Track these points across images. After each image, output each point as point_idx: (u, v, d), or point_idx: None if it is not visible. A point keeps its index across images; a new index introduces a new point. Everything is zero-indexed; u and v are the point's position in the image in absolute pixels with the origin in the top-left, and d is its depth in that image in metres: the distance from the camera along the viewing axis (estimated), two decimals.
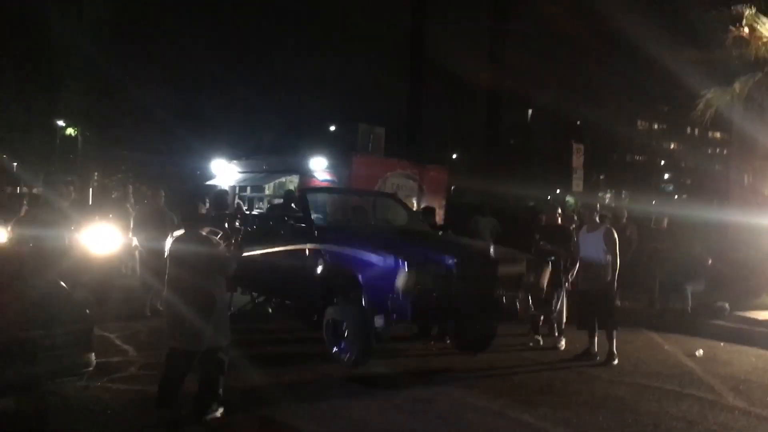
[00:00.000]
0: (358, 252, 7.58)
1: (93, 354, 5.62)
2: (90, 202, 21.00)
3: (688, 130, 62.76)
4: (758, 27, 11.20)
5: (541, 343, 9.09)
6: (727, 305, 10.95)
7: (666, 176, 61.84)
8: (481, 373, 7.62)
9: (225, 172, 17.23)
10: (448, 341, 8.84)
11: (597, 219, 8.62)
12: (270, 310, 10.02)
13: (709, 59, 13.07)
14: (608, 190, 51.82)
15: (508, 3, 22.50)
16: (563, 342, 9.01)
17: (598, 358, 8.24)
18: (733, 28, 11.52)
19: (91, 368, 5.62)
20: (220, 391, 5.56)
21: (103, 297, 9.65)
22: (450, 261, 7.26)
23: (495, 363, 8.05)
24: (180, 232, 5.74)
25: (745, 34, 11.41)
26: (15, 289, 5.65)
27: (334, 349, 7.55)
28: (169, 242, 5.67)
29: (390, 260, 7.11)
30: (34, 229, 8.32)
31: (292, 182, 14.95)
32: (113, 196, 22.59)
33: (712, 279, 11.76)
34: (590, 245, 8.38)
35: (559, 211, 9.85)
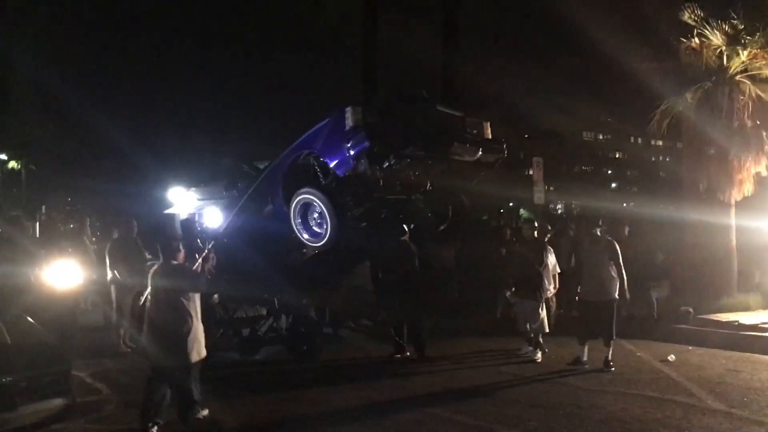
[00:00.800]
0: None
1: (73, 396, 5.43)
2: (38, 236, 20.40)
3: (632, 139, 64.46)
4: (708, 35, 11.57)
5: (521, 352, 9.35)
6: (691, 309, 11.17)
7: (613, 185, 63.34)
8: (464, 391, 7.59)
9: (183, 200, 16.90)
10: (408, 354, 9.14)
11: (598, 232, 8.81)
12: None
13: (655, 71, 13.39)
14: (559, 201, 52.75)
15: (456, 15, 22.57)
16: (539, 355, 9.11)
17: (587, 366, 8.45)
18: (684, 39, 11.86)
19: (70, 411, 5.42)
20: (197, 396, 5.89)
21: (67, 334, 9.35)
22: None
23: (475, 380, 8.06)
24: (156, 264, 6.02)
25: (695, 45, 11.77)
26: None
27: None
28: (149, 275, 5.87)
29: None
30: None
31: None
32: (68, 227, 21.93)
33: (673, 282, 12.05)
34: (593, 258, 8.55)
35: (535, 224, 9.96)
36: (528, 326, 9.18)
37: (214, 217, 9.34)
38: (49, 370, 5.29)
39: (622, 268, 8.46)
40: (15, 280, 8.26)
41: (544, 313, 9.22)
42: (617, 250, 8.52)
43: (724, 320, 10.80)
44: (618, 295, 8.45)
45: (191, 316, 5.86)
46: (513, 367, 8.74)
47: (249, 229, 8.33)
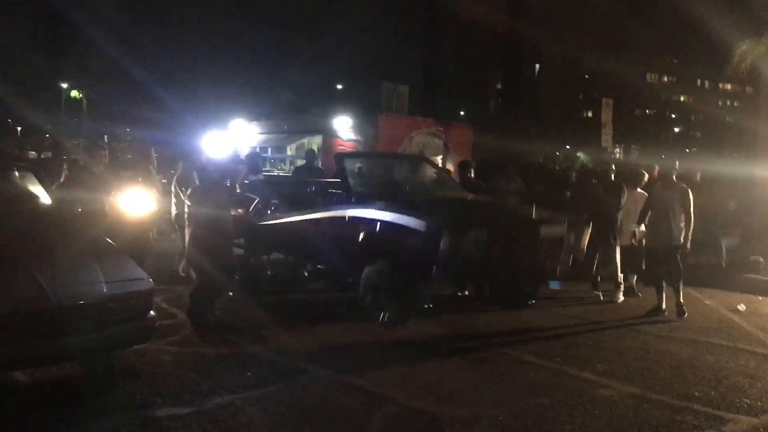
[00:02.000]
0: (398, 217, 7.51)
1: (155, 318, 5.61)
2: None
3: (698, 82, 62.21)
4: None
5: (601, 298, 9.23)
6: (761, 259, 10.92)
7: (676, 130, 61.44)
8: (532, 333, 7.57)
9: (245, 133, 17.10)
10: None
11: (674, 178, 8.54)
12: (306, 274, 10.01)
13: (738, 5, 12.78)
14: (617, 145, 51.56)
15: None
16: (621, 296, 9.21)
17: (666, 313, 8.29)
18: None
19: (154, 332, 5.62)
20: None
21: (139, 261, 9.65)
22: (491, 226, 7.39)
23: (541, 321, 8.06)
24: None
25: None
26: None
27: (374, 310, 7.52)
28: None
29: (431, 226, 7.14)
30: (75, 193, 8.26)
31: (315, 143, 14.85)
32: (128, 157, 22.43)
33: (744, 233, 11.73)
34: (664, 204, 8.34)
35: (613, 167, 9.83)
36: (596, 270, 9.17)
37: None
38: (133, 292, 5.45)
39: (692, 217, 8.21)
40: (92, 206, 8.57)
41: (618, 257, 9.17)
42: (690, 198, 8.26)
43: None
44: (683, 240, 8.24)
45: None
46: (578, 310, 8.71)
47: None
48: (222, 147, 13.53)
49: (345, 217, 8.07)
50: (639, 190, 9.62)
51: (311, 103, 16.57)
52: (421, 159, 11.16)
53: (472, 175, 10.49)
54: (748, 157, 14.48)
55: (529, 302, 8.72)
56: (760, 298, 9.57)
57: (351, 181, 8.75)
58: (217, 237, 7.14)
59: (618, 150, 49.18)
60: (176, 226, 9.78)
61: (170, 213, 10.38)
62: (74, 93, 48.42)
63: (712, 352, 6.77)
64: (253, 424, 4.66)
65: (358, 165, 9.83)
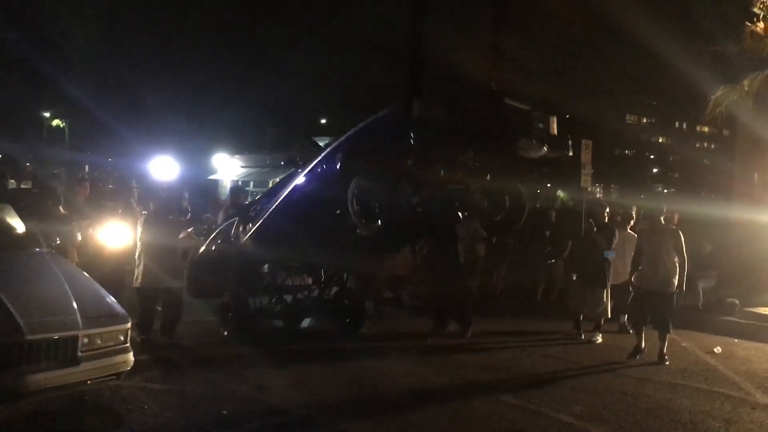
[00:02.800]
0: None
1: (131, 353, 5.56)
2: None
3: (677, 124, 63.30)
4: None
5: (583, 337, 9.32)
6: (737, 301, 11.03)
7: (655, 170, 62.24)
8: (507, 371, 7.60)
9: (227, 167, 17.14)
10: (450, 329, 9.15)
11: (662, 220, 8.49)
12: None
13: (715, 55, 13.10)
14: (597, 185, 52.03)
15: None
16: (599, 337, 9.28)
17: (646, 352, 8.24)
18: (749, 23, 11.55)
19: (128, 369, 5.55)
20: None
21: (117, 294, 9.54)
22: None
23: (517, 361, 8.07)
24: None
25: (760, 29, 11.45)
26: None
27: None
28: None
29: None
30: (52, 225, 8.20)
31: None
32: (110, 187, 22.30)
33: (720, 275, 11.86)
34: (656, 247, 8.22)
35: (607, 208, 9.93)
36: (586, 310, 9.34)
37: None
38: (111, 327, 5.40)
39: (686, 259, 8.11)
40: (66, 239, 8.52)
41: (607, 299, 9.32)
42: (682, 240, 8.17)
43: None
44: (677, 285, 8.15)
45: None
46: (556, 350, 8.75)
47: (305, 203, 8.37)
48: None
49: None
50: (628, 230, 9.76)
51: (295, 138, 16.69)
52: None
53: None
54: (724, 198, 14.70)
55: None
56: (736, 340, 9.64)
57: None
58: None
59: (598, 190, 49.65)
60: None
61: None
62: (56, 122, 48.21)
63: (688, 395, 6.80)
64: None
65: None
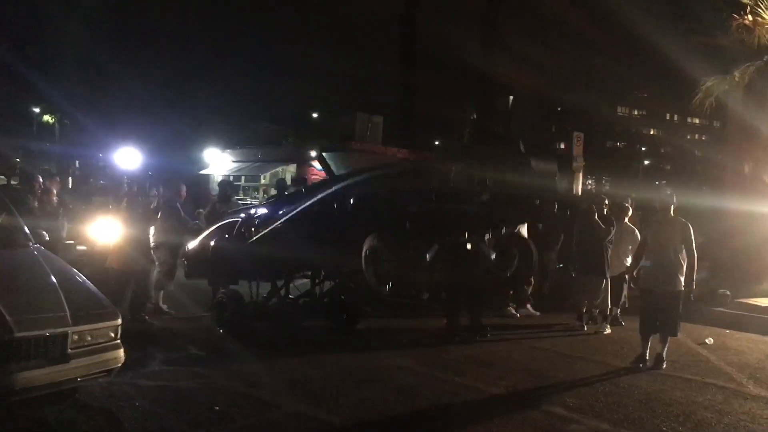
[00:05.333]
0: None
1: (122, 350, 5.51)
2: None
3: (667, 116, 63.56)
4: (762, 12, 11.29)
5: (585, 329, 9.43)
6: (728, 293, 11.08)
7: (646, 162, 62.46)
8: (503, 365, 7.57)
9: (218, 162, 17.05)
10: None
11: (671, 212, 7.69)
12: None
13: (706, 46, 13.13)
14: (589, 177, 52.18)
15: None
16: (608, 328, 9.40)
17: (649, 364, 7.54)
18: (737, 16, 11.57)
19: (119, 365, 5.52)
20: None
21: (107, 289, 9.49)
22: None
23: (513, 355, 8.05)
24: None
25: (748, 22, 11.48)
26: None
27: None
28: None
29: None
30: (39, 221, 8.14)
31: (289, 171, 14.86)
32: (101, 183, 22.20)
33: (711, 266, 11.89)
34: (662, 241, 7.53)
35: (606, 200, 9.95)
36: (587, 302, 9.44)
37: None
38: (101, 324, 5.36)
39: (695, 254, 7.43)
40: (56, 234, 8.47)
41: (607, 289, 9.43)
42: (691, 233, 7.44)
43: (762, 305, 10.70)
44: (685, 284, 7.44)
45: None
46: (551, 342, 8.74)
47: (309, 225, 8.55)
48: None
49: None
50: (626, 221, 9.75)
51: (287, 133, 16.67)
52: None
53: None
54: (715, 189, 14.75)
55: None
56: (728, 331, 9.69)
57: None
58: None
59: (590, 182, 49.75)
60: (154, 257, 9.62)
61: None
62: (46, 118, 47.91)
63: (680, 386, 6.82)
64: None
65: None
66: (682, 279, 7.43)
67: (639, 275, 7.88)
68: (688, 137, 61.10)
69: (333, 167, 9.76)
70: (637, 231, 9.52)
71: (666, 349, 7.60)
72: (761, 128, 11.72)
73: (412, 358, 7.61)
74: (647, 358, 7.58)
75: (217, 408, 5.61)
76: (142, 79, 28.34)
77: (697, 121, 59.43)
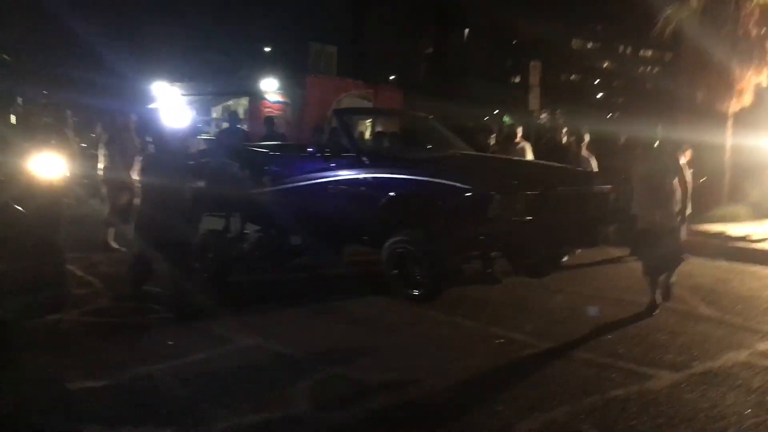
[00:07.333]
0: (434, 180, 6.72)
1: (68, 287, 5.30)
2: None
3: (620, 48, 63.69)
4: None
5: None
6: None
7: (599, 95, 62.71)
8: (467, 297, 7.50)
9: (167, 95, 16.48)
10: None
11: (656, 145, 7.03)
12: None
13: None
14: (543, 110, 52.28)
15: None
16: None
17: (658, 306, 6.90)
18: None
19: (65, 302, 5.31)
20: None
21: (54, 226, 9.16)
22: (540, 187, 6.73)
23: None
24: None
25: None
26: None
27: (399, 283, 6.84)
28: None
29: (478, 187, 6.44)
30: None
31: (241, 105, 14.44)
32: (46, 120, 21.35)
33: None
34: (653, 178, 6.85)
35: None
36: None
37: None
38: (43, 260, 5.12)
39: (687, 184, 6.83)
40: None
41: None
42: (680, 165, 6.87)
43: (713, 231, 10.92)
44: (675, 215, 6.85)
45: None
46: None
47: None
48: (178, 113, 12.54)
49: (366, 180, 7.22)
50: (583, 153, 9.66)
51: (238, 65, 16.09)
52: (423, 119, 9.96)
53: None
54: (668, 121, 14.84)
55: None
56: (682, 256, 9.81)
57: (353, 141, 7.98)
58: (165, 212, 6.30)
59: (544, 115, 49.90)
60: (102, 191, 9.23)
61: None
62: None
63: (634, 310, 6.83)
64: (170, 395, 4.43)
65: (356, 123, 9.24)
66: (675, 208, 6.85)
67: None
68: (640, 70, 61.55)
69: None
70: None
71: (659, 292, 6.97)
72: (715, 54, 11.71)
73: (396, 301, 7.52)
74: (658, 303, 6.91)
75: (170, 343, 5.48)
76: (84, 9, 26.93)
77: (649, 54, 59.75)
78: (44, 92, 36.19)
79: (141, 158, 6.80)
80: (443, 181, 6.77)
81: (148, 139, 6.74)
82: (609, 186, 7.50)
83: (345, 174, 7.41)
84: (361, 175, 7.25)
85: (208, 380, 4.69)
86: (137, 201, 6.63)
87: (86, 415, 4.07)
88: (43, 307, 5.12)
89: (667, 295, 7.01)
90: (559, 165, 8.38)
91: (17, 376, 4.67)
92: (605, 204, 7.38)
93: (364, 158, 7.41)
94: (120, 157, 9.08)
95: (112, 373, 4.74)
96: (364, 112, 11.45)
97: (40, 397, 4.33)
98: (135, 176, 7.63)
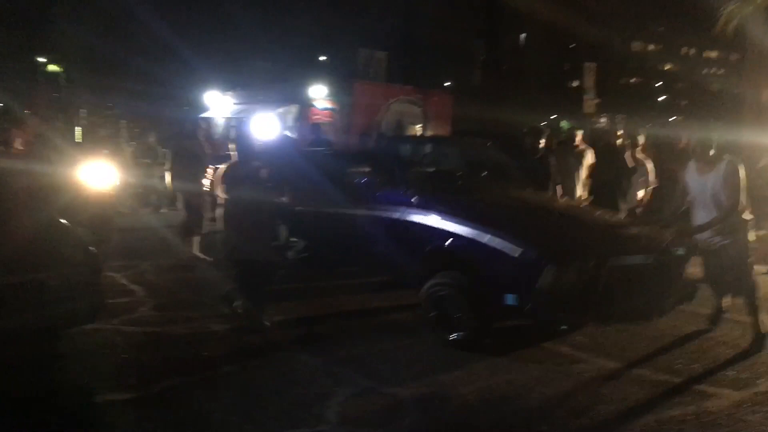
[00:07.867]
0: (482, 235, 5.92)
1: (103, 295, 5.26)
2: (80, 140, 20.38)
3: (683, 50, 61.97)
4: None
5: None
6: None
7: (661, 98, 61.06)
8: None
9: (219, 104, 16.65)
10: None
11: (711, 153, 6.00)
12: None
13: None
14: (603, 114, 51.10)
15: None
16: None
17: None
18: None
19: (101, 311, 5.27)
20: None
21: (104, 235, 9.25)
22: (602, 253, 5.72)
23: None
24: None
25: None
26: (15, 227, 5.23)
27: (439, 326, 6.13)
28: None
29: (528, 252, 5.56)
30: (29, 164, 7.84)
31: (290, 112, 14.45)
32: (106, 131, 21.90)
33: None
34: (706, 188, 5.98)
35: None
36: None
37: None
38: (80, 270, 5.09)
39: (736, 202, 5.83)
40: (51, 179, 8.16)
41: None
42: (739, 176, 5.83)
43: None
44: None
45: None
46: None
47: None
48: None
49: (411, 223, 6.61)
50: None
51: (288, 72, 16.12)
52: (482, 146, 9.27)
53: None
54: (732, 124, 14.22)
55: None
56: None
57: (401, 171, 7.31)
58: (252, 228, 5.99)
59: (603, 119, 48.81)
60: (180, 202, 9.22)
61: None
62: (52, 67, 47.40)
63: (695, 322, 6.46)
64: (198, 408, 4.31)
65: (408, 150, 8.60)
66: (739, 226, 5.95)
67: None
68: (704, 72, 59.67)
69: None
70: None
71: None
72: None
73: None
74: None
75: (205, 354, 5.38)
76: (143, 23, 27.55)
77: (713, 54, 57.94)
78: (109, 105, 37.25)
79: (217, 168, 6.49)
80: (492, 240, 5.85)
81: (230, 146, 6.35)
82: (682, 249, 6.19)
83: (389, 211, 6.90)
84: (407, 217, 6.69)
85: (238, 394, 4.55)
86: (217, 212, 6.43)
87: (108, 429, 3.98)
88: (79, 316, 5.10)
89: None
90: (626, 220, 7.52)
91: (45, 387, 4.61)
92: (673, 274, 6.17)
93: (413, 198, 6.76)
94: (188, 166, 8.90)
95: (142, 384, 4.65)
96: (416, 141, 10.80)
97: (66, 409, 4.26)
98: (207, 184, 7.42)
